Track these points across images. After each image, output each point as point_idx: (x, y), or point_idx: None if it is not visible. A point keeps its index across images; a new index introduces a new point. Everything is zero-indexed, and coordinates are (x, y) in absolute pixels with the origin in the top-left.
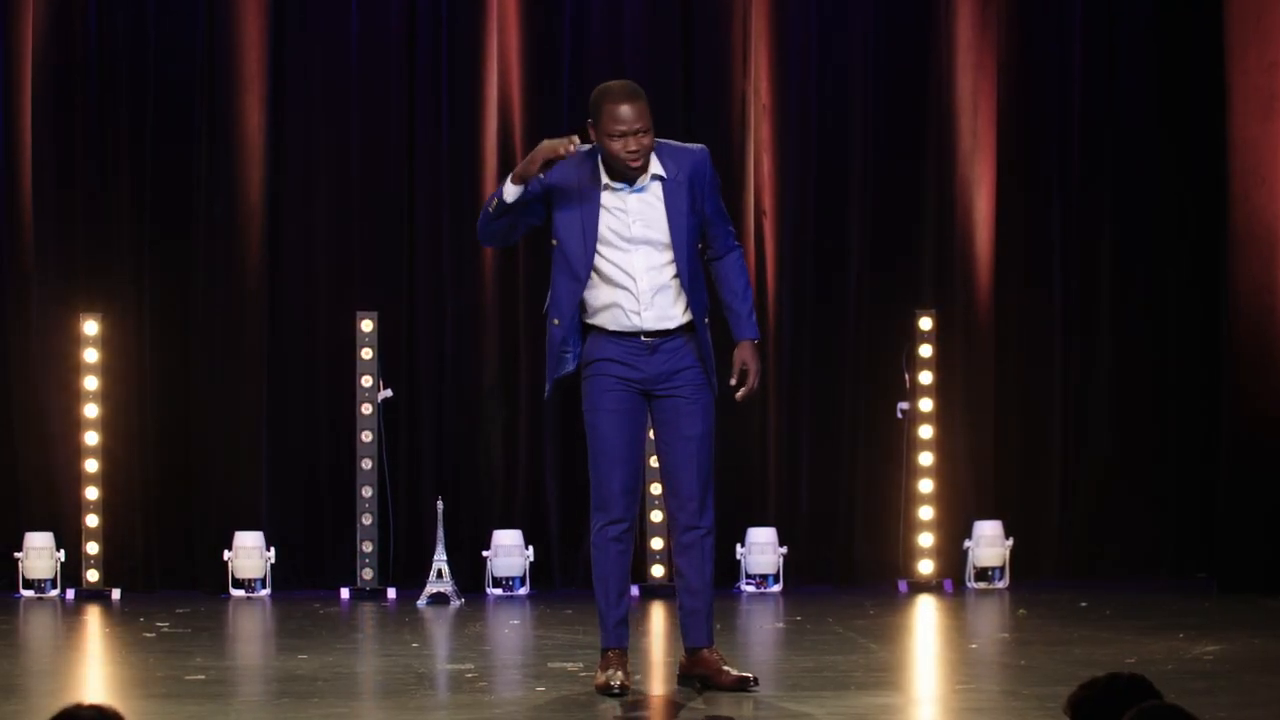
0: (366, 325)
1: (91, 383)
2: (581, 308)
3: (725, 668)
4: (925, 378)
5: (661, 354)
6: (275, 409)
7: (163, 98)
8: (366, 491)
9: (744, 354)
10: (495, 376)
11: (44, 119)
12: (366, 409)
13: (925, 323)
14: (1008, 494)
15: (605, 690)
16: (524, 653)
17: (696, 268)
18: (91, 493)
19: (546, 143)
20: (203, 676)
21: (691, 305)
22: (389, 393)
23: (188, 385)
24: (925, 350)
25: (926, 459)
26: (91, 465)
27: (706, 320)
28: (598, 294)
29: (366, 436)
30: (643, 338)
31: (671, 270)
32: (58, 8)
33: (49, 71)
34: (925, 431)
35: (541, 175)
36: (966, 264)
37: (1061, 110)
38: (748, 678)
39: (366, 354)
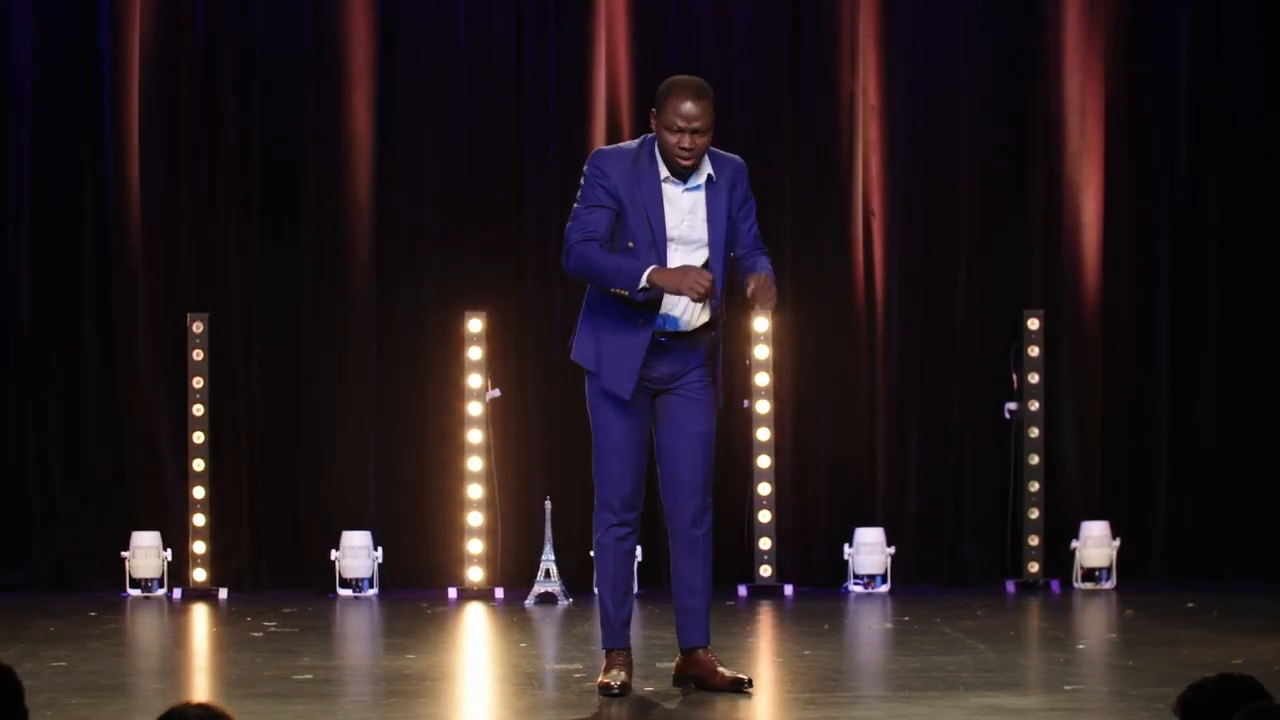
0: (475, 324)
1: (198, 382)
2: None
3: (720, 669)
4: (1033, 378)
5: (675, 354)
6: (383, 408)
7: (270, 97)
8: (474, 491)
9: (759, 275)
10: None
11: (151, 119)
12: (475, 408)
13: (1033, 323)
14: (1115, 494)
15: (605, 690)
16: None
17: (724, 274)
18: (198, 492)
19: (688, 280)
20: (310, 676)
21: (713, 308)
22: (497, 392)
23: (295, 384)
24: (1033, 351)
25: (1034, 460)
26: (198, 464)
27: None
28: (679, 301)
29: (475, 436)
30: (660, 337)
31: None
32: (165, 6)
33: (156, 71)
34: (1033, 432)
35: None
36: (1074, 265)
37: (1169, 111)
38: (742, 679)
39: (475, 353)
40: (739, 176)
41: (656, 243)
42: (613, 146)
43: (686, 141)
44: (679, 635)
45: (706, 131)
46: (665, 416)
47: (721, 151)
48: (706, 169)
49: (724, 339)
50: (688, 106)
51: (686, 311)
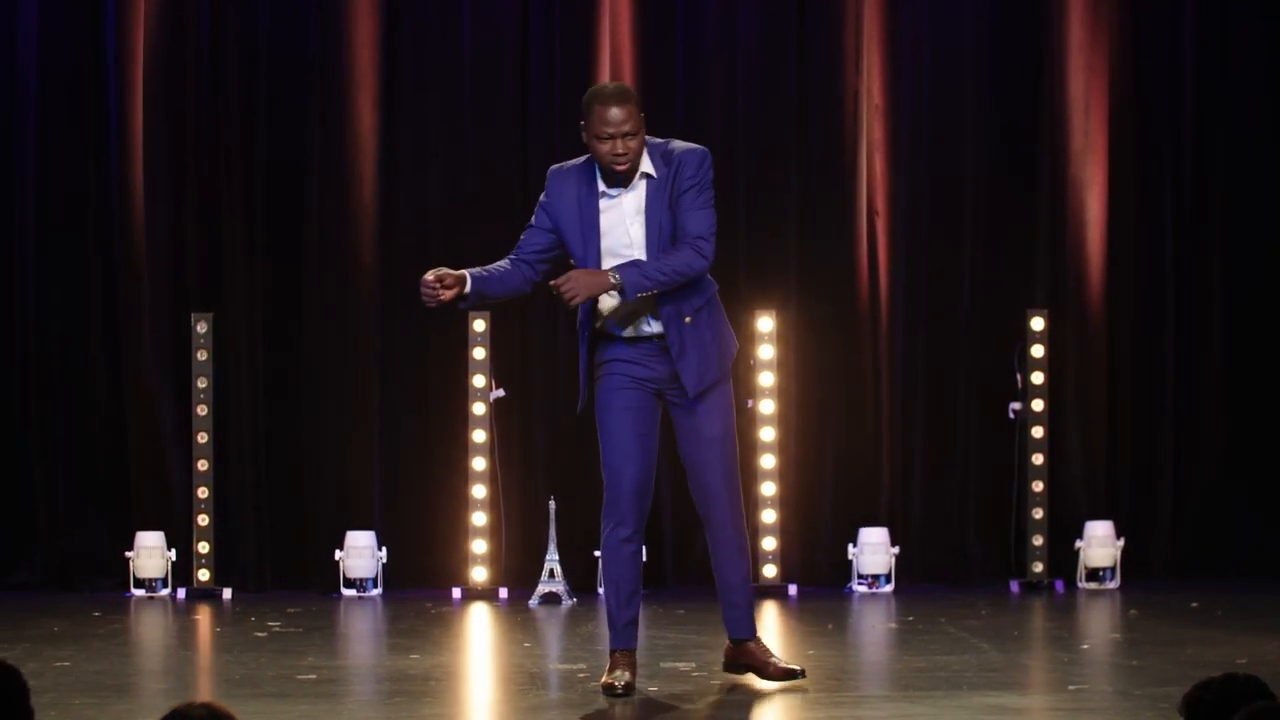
0: (479, 325)
1: (202, 382)
2: (595, 315)
3: (771, 660)
4: (1037, 378)
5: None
6: (387, 408)
7: (274, 97)
8: (479, 491)
9: (591, 272)
10: None
11: (156, 119)
12: (479, 408)
13: (1037, 323)
14: (1119, 494)
15: (609, 690)
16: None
17: None
18: (203, 492)
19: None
20: (314, 676)
21: (685, 300)
22: (501, 392)
23: (299, 384)
24: (1037, 350)
25: (1038, 459)
26: (203, 464)
27: (696, 308)
28: (609, 302)
29: (479, 436)
30: (655, 340)
31: None
32: (169, 7)
33: (160, 72)
34: (1037, 432)
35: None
36: (1078, 264)
37: (1173, 110)
38: (795, 670)
39: (479, 353)
40: (682, 166)
41: (588, 252)
42: (563, 164)
43: (619, 147)
44: (726, 627)
45: (635, 134)
46: (680, 424)
47: (681, 143)
48: (645, 166)
49: (719, 326)
50: (613, 113)
51: (620, 316)
